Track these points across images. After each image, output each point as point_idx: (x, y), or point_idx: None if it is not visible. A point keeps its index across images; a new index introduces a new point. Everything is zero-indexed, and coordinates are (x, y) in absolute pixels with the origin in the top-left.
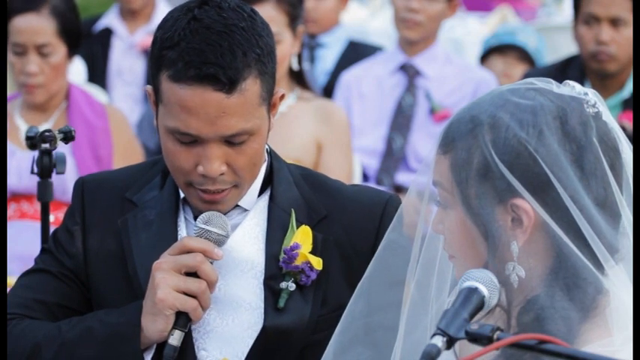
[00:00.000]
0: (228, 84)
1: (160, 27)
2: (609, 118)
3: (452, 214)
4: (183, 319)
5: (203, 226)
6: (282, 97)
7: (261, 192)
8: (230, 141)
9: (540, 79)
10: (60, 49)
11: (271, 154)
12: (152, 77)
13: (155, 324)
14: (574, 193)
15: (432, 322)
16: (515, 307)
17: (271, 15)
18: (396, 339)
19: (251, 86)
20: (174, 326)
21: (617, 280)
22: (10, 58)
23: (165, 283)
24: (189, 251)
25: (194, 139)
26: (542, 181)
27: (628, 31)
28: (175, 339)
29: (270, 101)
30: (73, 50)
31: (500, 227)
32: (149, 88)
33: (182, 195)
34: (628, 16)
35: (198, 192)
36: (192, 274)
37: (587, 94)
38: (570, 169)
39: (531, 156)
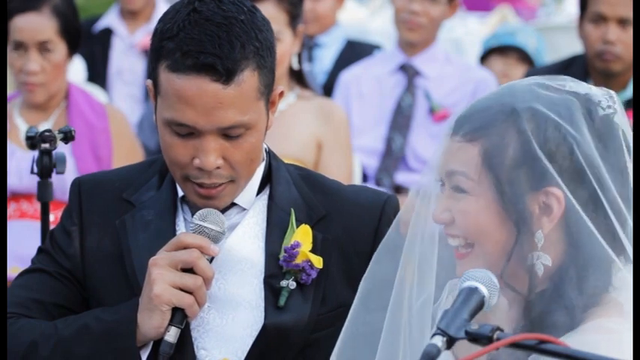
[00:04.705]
0: (225, 74)
1: (161, 19)
2: (621, 118)
3: (472, 200)
4: (179, 316)
5: (199, 222)
6: (282, 94)
7: (260, 191)
8: (227, 134)
9: (553, 77)
10: (61, 48)
11: (270, 153)
12: (152, 70)
13: (151, 320)
14: (604, 186)
15: (410, 323)
16: (532, 296)
17: (271, 14)
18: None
19: (248, 78)
20: (171, 322)
21: (628, 277)
22: (11, 56)
23: (161, 279)
24: (185, 247)
25: (191, 131)
26: (577, 171)
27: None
28: (171, 335)
29: (269, 97)
30: (72, 50)
31: (529, 215)
32: (149, 82)
33: (180, 194)
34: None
35: (194, 186)
36: (189, 270)
37: (607, 94)
38: (601, 162)
39: (570, 147)
